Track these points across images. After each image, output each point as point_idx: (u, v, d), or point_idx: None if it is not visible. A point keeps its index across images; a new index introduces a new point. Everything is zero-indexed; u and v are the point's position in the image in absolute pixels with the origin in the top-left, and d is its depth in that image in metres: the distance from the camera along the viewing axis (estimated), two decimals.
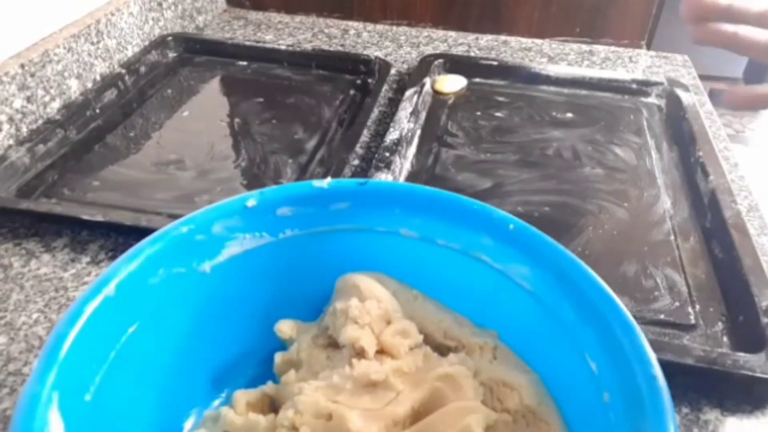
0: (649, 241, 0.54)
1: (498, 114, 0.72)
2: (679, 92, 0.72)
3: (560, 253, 0.35)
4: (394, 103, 0.71)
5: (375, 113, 0.70)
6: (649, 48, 0.97)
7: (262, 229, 0.38)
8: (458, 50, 0.86)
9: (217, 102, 0.75)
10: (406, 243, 0.39)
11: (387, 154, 0.59)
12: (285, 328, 0.39)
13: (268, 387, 0.37)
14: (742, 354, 0.42)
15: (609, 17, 0.99)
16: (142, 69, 0.76)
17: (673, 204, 0.58)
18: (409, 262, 0.40)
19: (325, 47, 0.86)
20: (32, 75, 0.62)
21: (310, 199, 0.38)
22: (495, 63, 0.79)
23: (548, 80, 0.77)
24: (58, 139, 0.62)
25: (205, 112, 0.72)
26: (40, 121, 0.64)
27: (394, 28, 0.92)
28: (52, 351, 0.28)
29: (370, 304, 0.37)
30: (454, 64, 0.78)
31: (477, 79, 0.77)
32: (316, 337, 0.39)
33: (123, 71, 0.73)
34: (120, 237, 0.52)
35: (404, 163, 0.61)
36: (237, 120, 0.70)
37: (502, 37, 0.89)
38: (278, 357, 0.39)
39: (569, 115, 0.72)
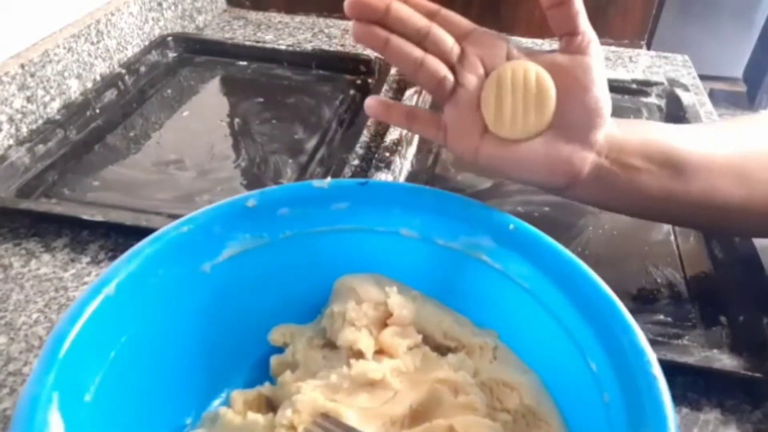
0: (649, 241, 0.54)
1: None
2: (679, 92, 0.72)
3: (560, 254, 0.35)
4: None
5: None
6: (649, 48, 0.97)
7: (262, 229, 0.38)
8: None
9: (217, 102, 0.75)
10: (406, 243, 0.39)
11: (387, 154, 0.59)
12: (277, 335, 0.39)
13: (266, 387, 0.37)
14: (742, 354, 0.42)
15: (609, 17, 0.99)
16: (142, 69, 0.76)
17: None
18: (409, 262, 0.40)
19: (325, 47, 0.86)
20: (32, 75, 0.62)
21: (310, 199, 0.38)
22: None
23: None
24: (58, 139, 0.62)
25: (205, 112, 0.72)
26: (40, 121, 0.64)
27: None
28: (52, 351, 0.28)
29: (366, 306, 0.37)
30: None
31: None
32: (312, 339, 0.39)
33: (123, 71, 0.73)
34: (120, 237, 0.52)
35: (404, 163, 0.61)
36: (237, 120, 0.70)
37: None
38: (274, 360, 0.39)
39: None
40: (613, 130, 0.38)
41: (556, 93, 0.36)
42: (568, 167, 0.38)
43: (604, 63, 0.37)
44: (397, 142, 0.61)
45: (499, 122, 0.37)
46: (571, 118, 0.37)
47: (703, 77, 0.84)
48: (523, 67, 0.36)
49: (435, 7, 0.38)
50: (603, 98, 0.37)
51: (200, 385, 0.37)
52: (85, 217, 0.51)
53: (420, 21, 0.36)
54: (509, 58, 0.37)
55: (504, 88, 0.36)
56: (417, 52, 0.36)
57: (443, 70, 0.37)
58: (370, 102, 0.40)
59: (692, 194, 0.39)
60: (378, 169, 0.57)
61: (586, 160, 0.38)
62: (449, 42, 0.37)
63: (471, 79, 0.37)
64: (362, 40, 0.36)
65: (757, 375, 0.40)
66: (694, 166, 0.39)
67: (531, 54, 0.37)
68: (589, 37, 0.37)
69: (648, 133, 0.40)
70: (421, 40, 0.37)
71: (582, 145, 0.37)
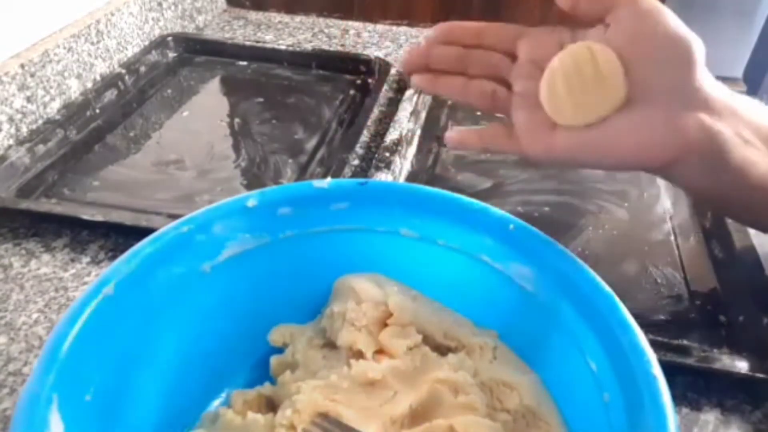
0: (649, 241, 0.54)
1: (498, 114, 0.71)
2: None
3: (560, 253, 0.35)
4: (394, 103, 0.71)
5: (375, 113, 0.70)
6: None
7: (262, 229, 0.38)
8: None
9: (217, 102, 0.75)
10: (406, 243, 0.39)
11: (387, 154, 0.59)
12: (277, 336, 0.39)
13: (266, 387, 0.37)
14: (742, 354, 0.42)
15: None
16: (142, 69, 0.76)
17: (673, 204, 0.58)
18: (409, 262, 0.40)
19: (325, 47, 0.86)
20: (32, 75, 0.62)
21: (310, 199, 0.38)
22: None
23: None
24: (58, 139, 0.62)
25: (205, 112, 0.72)
26: (40, 121, 0.64)
27: (394, 28, 0.92)
28: (52, 351, 0.28)
29: (366, 306, 0.37)
30: None
31: None
32: (312, 339, 0.39)
33: (123, 71, 0.73)
34: (120, 237, 0.52)
35: (404, 163, 0.61)
36: (237, 120, 0.70)
37: None
38: (273, 360, 0.39)
39: None
40: (720, 93, 0.34)
41: (628, 61, 0.33)
42: (667, 138, 0.33)
43: (665, 7, 0.33)
44: (397, 142, 0.61)
45: (560, 112, 0.35)
46: (656, 78, 0.33)
47: None
48: (571, 51, 0.34)
49: (479, 26, 0.38)
50: (683, 33, 0.32)
51: (200, 385, 0.37)
52: (85, 217, 0.51)
53: (457, 52, 0.38)
54: (562, 49, 0.35)
55: (556, 77, 0.35)
56: (458, 81, 0.38)
57: (487, 87, 0.38)
58: (452, 136, 0.40)
59: None
60: (378, 169, 0.57)
61: (691, 121, 0.33)
62: (492, 58, 0.38)
63: (526, 83, 0.36)
64: (421, 87, 0.40)
65: (757, 375, 0.40)
66: None
67: (591, 35, 0.35)
68: None
69: (750, 106, 0.35)
70: (465, 68, 0.38)
71: (681, 105, 0.33)
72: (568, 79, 0.34)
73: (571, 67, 0.34)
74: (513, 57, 0.38)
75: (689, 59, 0.33)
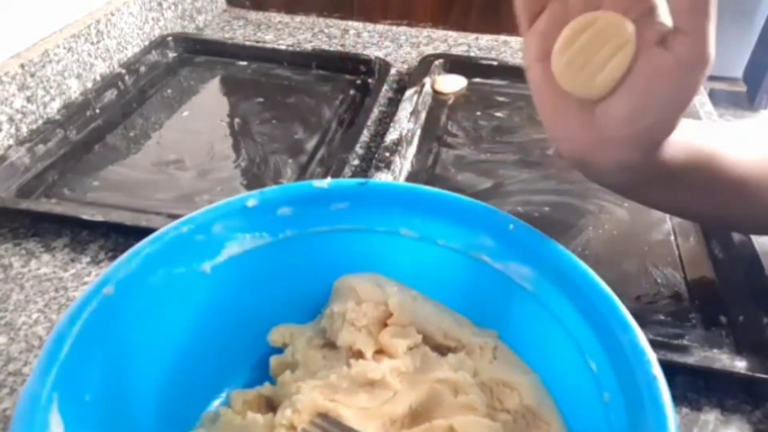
0: (649, 241, 0.54)
1: (498, 114, 0.72)
2: None
3: (560, 253, 0.35)
4: (394, 103, 0.71)
5: (375, 113, 0.70)
6: None
7: (262, 229, 0.38)
8: (458, 50, 0.86)
9: (217, 102, 0.75)
10: (406, 243, 0.39)
11: (387, 154, 0.59)
12: (277, 336, 0.39)
13: (265, 387, 0.37)
14: (742, 354, 0.42)
15: None
16: (142, 69, 0.76)
17: None
18: (409, 262, 0.40)
19: (325, 47, 0.86)
20: (32, 75, 0.62)
21: (310, 199, 0.39)
22: (495, 63, 0.78)
23: None
24: (58, 139, 0.62)
25: (205, 112, 0.72)
26: (40, 121, 0.64)
27: (394, 28, 0.92)
28: (52, 351, 0.28)
29: (366, 306, 0.37)
30: (454, 64, 0.78)
31: (477, 79, 0.77)
32: (312, 339, 0.39)
33: (123, 71, 0.73)
34: (120, 237, 0.52)
35: (404, 163, 0.61)
36: (237, 120, 0.70)
37: (502, 37, 0.88)
38: (273, 360, 0.39)
39: None
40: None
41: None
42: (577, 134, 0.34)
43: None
44: (397, 142, 0.61)
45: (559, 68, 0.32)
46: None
47: None
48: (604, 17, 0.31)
49: None
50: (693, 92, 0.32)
51: (200, 385, 0.37)
52: (85, 217, 0.51)
53: None
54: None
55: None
56: None
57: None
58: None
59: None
60: (378, 169, 0.57)
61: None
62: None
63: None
64: None
65: (757, 375, 0.40)
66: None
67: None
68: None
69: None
70: None
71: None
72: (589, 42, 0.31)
73: (601, 35, 0.31)
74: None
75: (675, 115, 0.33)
